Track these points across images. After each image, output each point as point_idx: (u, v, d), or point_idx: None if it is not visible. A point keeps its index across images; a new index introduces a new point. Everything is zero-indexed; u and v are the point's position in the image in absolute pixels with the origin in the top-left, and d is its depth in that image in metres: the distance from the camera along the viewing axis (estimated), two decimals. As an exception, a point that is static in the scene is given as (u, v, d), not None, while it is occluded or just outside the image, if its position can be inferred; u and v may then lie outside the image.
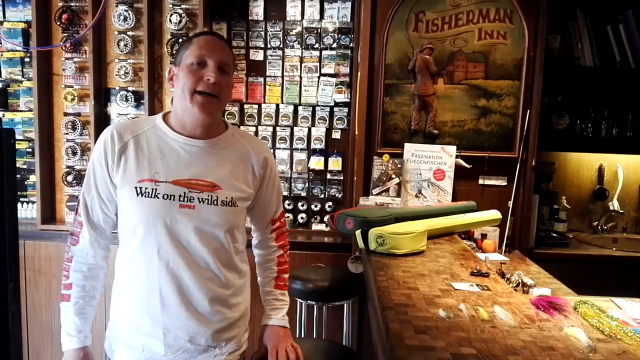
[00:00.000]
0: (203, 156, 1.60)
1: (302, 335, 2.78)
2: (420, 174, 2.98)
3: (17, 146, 3.32)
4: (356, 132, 3.04)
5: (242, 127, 3.26)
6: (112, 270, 1.69)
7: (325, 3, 3.23)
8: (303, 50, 3.26)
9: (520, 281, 1.95)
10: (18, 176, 3.34)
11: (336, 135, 3.29)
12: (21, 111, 3.34)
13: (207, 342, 1.61)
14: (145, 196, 1.53)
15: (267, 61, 3.29)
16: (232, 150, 1.66)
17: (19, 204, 3.32)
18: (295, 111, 3.30)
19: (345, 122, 3.25)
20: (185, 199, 1.54)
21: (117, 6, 3.14)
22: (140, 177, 1.54)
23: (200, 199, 1.56)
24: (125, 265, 1.62)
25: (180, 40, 3.14)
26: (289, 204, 3.33)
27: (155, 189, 1.53)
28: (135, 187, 1.54)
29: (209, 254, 1.58)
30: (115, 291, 1.66)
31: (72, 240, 1.63)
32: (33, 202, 3.32)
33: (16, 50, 3.28)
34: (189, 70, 1.53)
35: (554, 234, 3.24)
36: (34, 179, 3.27)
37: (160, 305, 1.56)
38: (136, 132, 1.60)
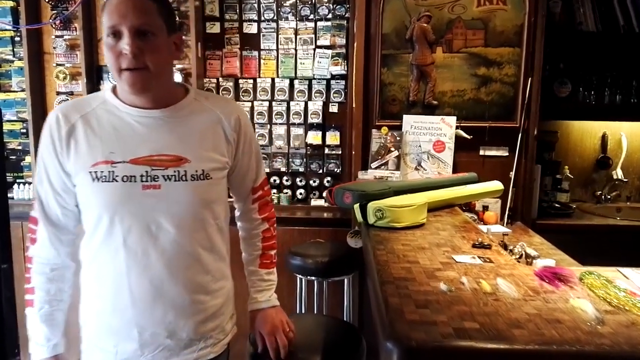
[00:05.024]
0: (162, 127, 1.41)
1: (303, 311, 2.77)
2: (420, 146, 2.93)
3: (12, 127, 3.30)
4: (354, 105, 2.99)
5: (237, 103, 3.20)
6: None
7: (319, -28, 3.14)
8: (297, 22, 3.18)
9: (523, 252, 1.91)
10: (13, 157, 3.34)
11: (333, 108, 3.22)
12: (13, 91, 3.30)
13: (188, 335, 1.46)
14: (102, 181, 1.35)
15: (261, 34, 3.21)
16: (197, 116, 1.46)
17: (16, 185, 3.30)
18: (291, 85, 3.24)
19: (343, 95, 3.19)
20: (149, 178, 1.36)
21: (105, -20, 3.06)
22: (94, 160, 1.36)
23: (166, 177, 1.38)
24: (90, 260, 1.45)
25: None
26: (287, 180, 3.30)
27: (113, 172, 1.35)
28: (90, 172, 1.36)
29: (185, 238, 1.42)
30: (82, 289, 1.49)
31: (29, 239, 1.45)
32: (30, 183, 3.29)
33: (5, 30, 3.22)
34: (106, 45, 1.34)
35: (557, 205, 3.21)
36: (29, 159, 3.24)
37: (130, 302, 1.40)
38: (84, 111, 1.41)
